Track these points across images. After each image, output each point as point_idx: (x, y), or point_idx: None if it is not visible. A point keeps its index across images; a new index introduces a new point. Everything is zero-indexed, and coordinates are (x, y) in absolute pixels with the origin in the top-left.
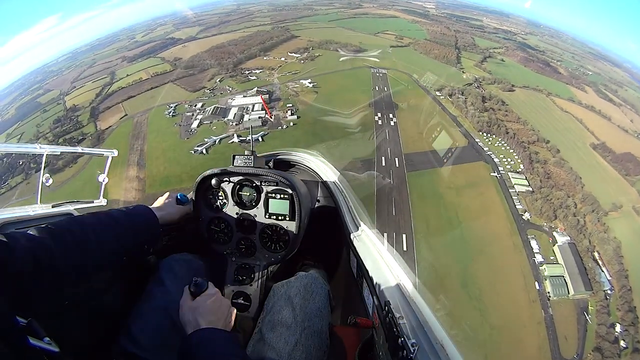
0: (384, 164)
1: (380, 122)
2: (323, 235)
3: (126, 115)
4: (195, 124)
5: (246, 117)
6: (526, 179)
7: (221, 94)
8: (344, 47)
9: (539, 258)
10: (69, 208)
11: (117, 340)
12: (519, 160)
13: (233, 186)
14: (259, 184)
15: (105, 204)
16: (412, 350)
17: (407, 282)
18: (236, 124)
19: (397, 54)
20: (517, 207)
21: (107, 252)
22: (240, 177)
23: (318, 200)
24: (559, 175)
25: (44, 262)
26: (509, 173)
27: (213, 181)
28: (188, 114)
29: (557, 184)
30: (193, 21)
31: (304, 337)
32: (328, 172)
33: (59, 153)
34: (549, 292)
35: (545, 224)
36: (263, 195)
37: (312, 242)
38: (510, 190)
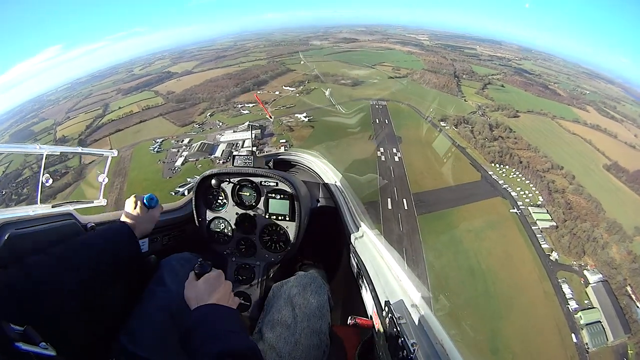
0: (390, 207)
1: (383, 158)
2: (323, 236)
3: (111, 149)
4: (179, 161)
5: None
6: (548, 212)
7: (210, 129)
8: (340, 80)
9: (573, 305)
10: (69, 208)
11: (117, 339)
12: (537, 192)
13: (233, 186)
14: (259, 184)
15: (105, 203)
16: (412, 350)
17: (407, 282)
18: (223, 162)
19: (396, 85)
20: (543, 246)
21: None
22: (240, 177)
23: (318, 201)
24: (579, 204)
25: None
26: (529, 207)
27: (213, 181)
28: (174, 150)
29: (580, 214)
30: (191, 56)
31: (303, 336)
32: (328, 173)
33: (58, 153)
34: (587, 344)
35: (574, 262)
36: (263, 196)
37: (312, 242)
38: (533, 227)
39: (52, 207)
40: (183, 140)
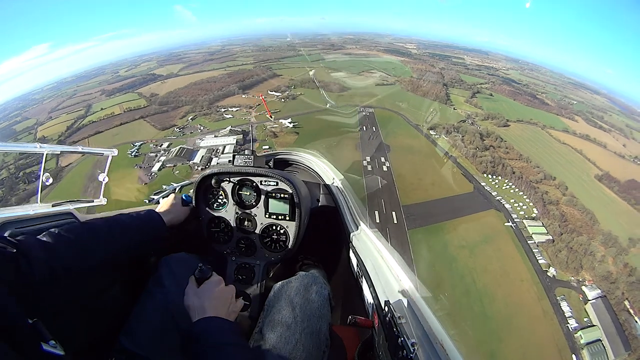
0: (378, 221)
1: (370, 167)
2: (323, 235)
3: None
4: (157, 166)
5: (214, 161)
6: (543, 225)
7: (191, 133)
8: (327, 86)
9: (572, 323)
10: (69, 207)
11: (117, 339)
12: (531, 204)
13: (233, 186)
14: (258, 183)
15: (105, 203)
16: (411, 350)
17: (407, 282)
18: (202, 169)
19: (384, 93)
20: (540, 262)
21: (115, 257)
22: (240, 177)
23: (318, 200)
24: (573, 215)
25: (58, 272)
26: (524, 220)
27: (213, 181)
28: (152, 154)
29: (575, 227)
30: (177, 58)
31: (304, 336)
32: (328, 172)
33: (59, 152)
34: None
35: (572, 278)
36: (263, 195)
37: (313, 242)
38: (529, 242)
39: (53, 206)
40: (162, 145)
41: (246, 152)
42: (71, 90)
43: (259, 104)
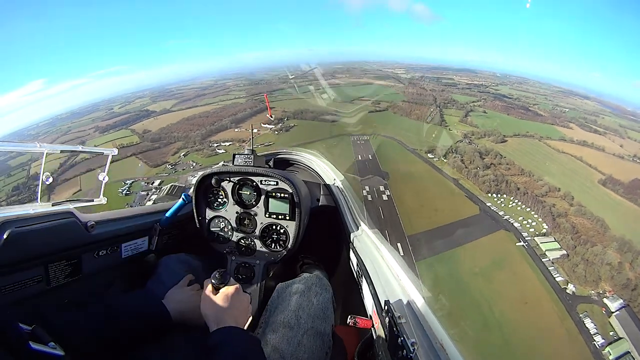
0: None
1: (370, 197)
2: (323, 235)
3: (80, 190)
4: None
5: None
6: (555, 240)
7: (183, 170)
8: (320, 115)
9: (599, 340)
10: (69, 206)
11: None
12: (540, 220)
13: (233, 185)
14: (259, 183)
15: (105, 202)
16: (411, 350)
17: (407, 282)
18: None
19: (377, 119)
20: (558, 279)
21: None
22: (240, 176)
23: (318, 200)
24: (584, 225)
25: None
26: (536, 238)
27: (213, 180)
28: (143, 192)
29: (588, 237)
30: (170, 94)
31: (306, 338)
32: (328, 172)
33: (59, 152)
34: None
35: (592, 291)
36: (263, 195)
37: (313, 242)
38: (543, 260)
39: (53, 205)
40: (153, 182)
41: (246, 151)
42: (66, 127)
43: (252, 137)
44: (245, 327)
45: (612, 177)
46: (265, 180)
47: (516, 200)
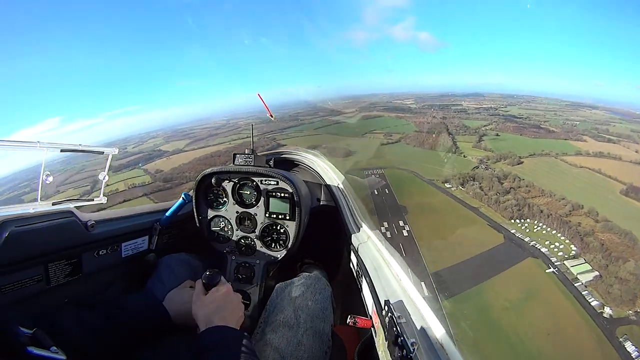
0: None
1: (389, 234)
2: (323, 235)
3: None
4: None
5: None
6: (586, 261)
7: None
8: (333, 151)
9: None
10: (69, 206)
11: None
12: (568, 241)
13: (233, 185)
14: (259, 182)
15: (106, 201)
16: (411, 350)
17: (407, 282)
18: None
19: (391, 152)
20: (593, 304)
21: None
22: (241, 176)
23: (318, 200)
24: (612, 241)
25: None
26: (565, 262)
27: (213, 180)
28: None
29: (618, 253)
30: (183, 134)
31: (306, 337)
32: (329, 172)
33: (59, 151)
34: None
35: (630, 311)
36: (263, 194)
37: (313, 242)
38: (576, 285)
39: (53, 204)
40: None
41: (246, 151)
42: (80, 166)
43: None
44: (238, 327)
45: (633, 186)
46: (265, 180)
47: (540, 224)
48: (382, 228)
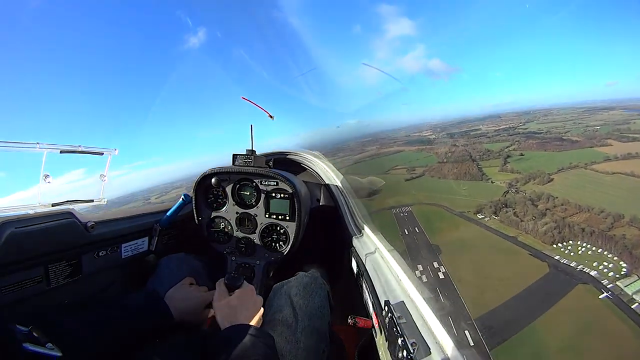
0: None
1: (424, 277)
2: (323, 235)
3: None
4: None
5: None
6: (639, 277)
7: None
8: (356, 192)
9: None
10: (69, 207)
11: None
12: (616, 258)
13: (233, 185)
14: (259, 183)
15: (106, 202)
16: (411, 350)
17: (407, 282)
18: None
19: (415, 187)
20: None
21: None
22: (241, 177)
23: (318, 200)
24: None
25: None
26: (617, 282)
27: (213, 180)
28: None
29: None
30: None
31: (304, 335)
32: (329, 172)
33: (58, 152)
34: None
35: None
36: (263, 195)
37: (313, 242)
38: (633, 307)
39: (52, 205)
40: None
41: (246, 151)
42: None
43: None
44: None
45: None
46: (265, 181)
47: (584, 244)
48: (416, 272)
